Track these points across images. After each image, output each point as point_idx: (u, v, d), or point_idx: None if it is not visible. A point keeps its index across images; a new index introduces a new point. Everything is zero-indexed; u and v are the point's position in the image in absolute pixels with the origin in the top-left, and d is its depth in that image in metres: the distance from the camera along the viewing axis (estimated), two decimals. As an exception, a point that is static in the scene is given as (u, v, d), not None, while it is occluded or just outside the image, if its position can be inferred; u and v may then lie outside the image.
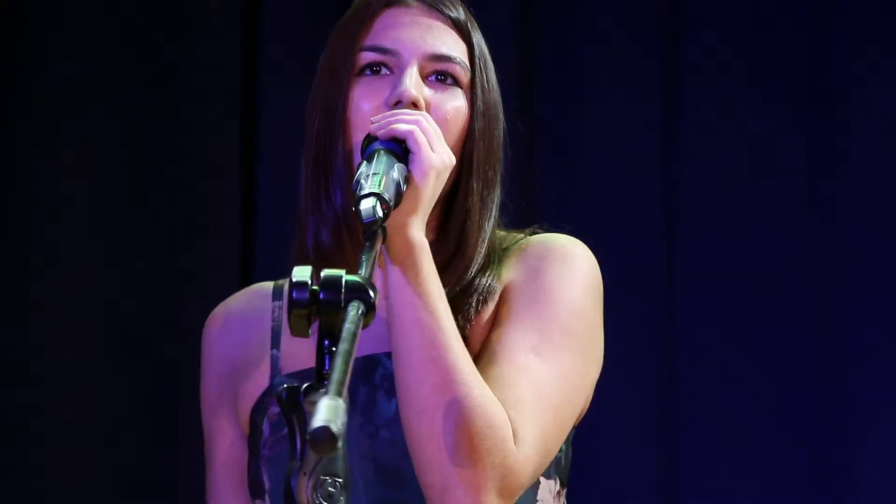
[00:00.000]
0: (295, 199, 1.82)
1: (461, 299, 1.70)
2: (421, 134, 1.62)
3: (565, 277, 1.73)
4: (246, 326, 1.85)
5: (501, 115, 1.79)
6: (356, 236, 1.71)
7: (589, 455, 3.13)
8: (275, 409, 1.76)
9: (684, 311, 3.42)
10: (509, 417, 1.62)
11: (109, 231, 3.43)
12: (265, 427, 1.76)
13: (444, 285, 1.66)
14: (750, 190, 3.43)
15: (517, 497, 1.64)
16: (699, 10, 3.54)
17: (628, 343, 3.21)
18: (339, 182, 1.72)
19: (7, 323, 3.46)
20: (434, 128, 1.65)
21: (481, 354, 1.68)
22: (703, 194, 3.41)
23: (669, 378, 3.40)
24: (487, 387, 1.61)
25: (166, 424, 3.32)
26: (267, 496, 1.73)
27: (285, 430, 1.70)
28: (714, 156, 3.42)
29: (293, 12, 3.54)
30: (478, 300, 1.73)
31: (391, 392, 1.69)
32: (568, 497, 1.80)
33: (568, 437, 1.75)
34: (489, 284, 1.74)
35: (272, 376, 1.79)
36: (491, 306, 1.74)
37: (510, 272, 1.76)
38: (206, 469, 1.85)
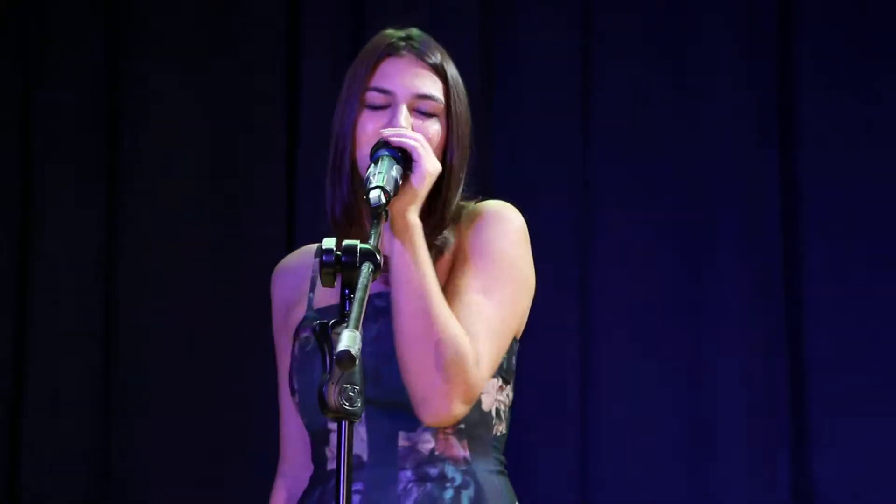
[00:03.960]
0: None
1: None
2: (422, 148, 2.24)
3: (498, 235, 2.33)
4: (296, 276, 2.45)
5: (470, 128, 2.38)
6: (355, 211, 2.33)
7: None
8: (304, 334, 2.36)
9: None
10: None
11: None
12: (296, 347, 2.37)
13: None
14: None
15: (475, 401, 2.28)
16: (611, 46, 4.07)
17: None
18: (346, 177, 2.33)
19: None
20: (427, 146, 2.25)
21: (446, 294, 2.27)
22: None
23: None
24: (459, 326, 2.23)
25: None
26: (296, 394, 2.35)
27: (308, 348, 2.34)
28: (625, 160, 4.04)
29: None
30: (437, 249, 2.33)
31: (374, 319, 2.27)
32: (514, 391, 2.40)
33: (512, 349, 2.38)
34: (445, 238, 2.33)
35: (308, 308, 2.39)
36: (447, 255, 2.33)
37: (461, 232, 2.34)
38: (279, 388, 2.46)
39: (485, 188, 2.45)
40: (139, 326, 4.14)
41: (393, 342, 2.23)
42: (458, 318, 2.22)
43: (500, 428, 2.35)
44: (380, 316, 2.27)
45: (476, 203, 2.38)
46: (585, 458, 3.99)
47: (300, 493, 2.39)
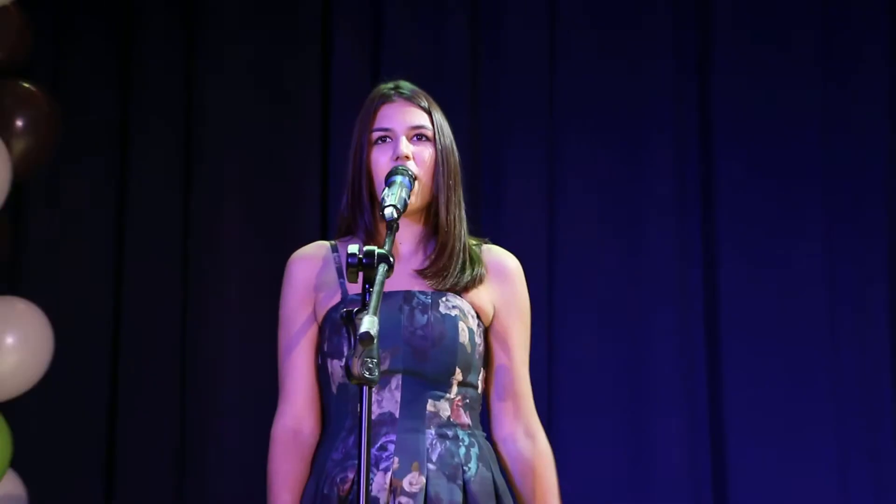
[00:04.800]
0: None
1: (461, 276, 2.83)
2: None
3: (525, 293, 2.90)
4: (317, 263, 2.89)
5: (455, 154, 2.90)
6: (372, 227, 2.83)
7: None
8: (339, 313, 2.74)
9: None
10: (529, 421, 2.83)
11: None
12: (335, 320, 2.79)
13: (442, 264, 2.81)
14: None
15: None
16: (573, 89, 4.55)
17: None
18: (364, 203, 2.85)
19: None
20: None
21: (499, 356, 2.84)
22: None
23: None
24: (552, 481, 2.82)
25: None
26: (340, 359, 2.79)
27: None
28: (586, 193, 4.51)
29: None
30: (472, 280, 2.85)
31: (423, 311, 2.76)
32: None
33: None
34: (478, 272, 2.86)
35: (343, 293, 2.83)
36: (482, 289, 2.85)
37: (493, 277, 2.87)
38: (282, 338, 2.87)
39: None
40: (209, 329, 4.50)
41: (436, 330, 2.78)
42: (516, 379, 2.88)
43: (480, 407, 2.94)
44: (427, 309, 2.80)
45: (485, 243, 2.96)
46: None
47: (302, 432, 2.85)
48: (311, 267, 2.90)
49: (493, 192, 4.52)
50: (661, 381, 4.51)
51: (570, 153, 4.56)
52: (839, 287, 4.50)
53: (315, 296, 2.87)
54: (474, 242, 2.92)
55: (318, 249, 2.93)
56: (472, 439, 2.82)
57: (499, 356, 2.89)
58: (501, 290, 2.89)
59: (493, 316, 2.89)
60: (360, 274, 2.48)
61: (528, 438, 2.88)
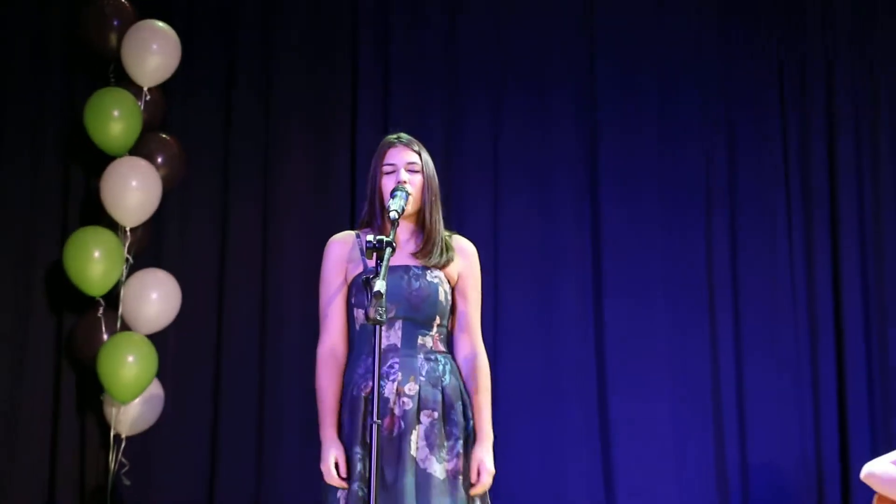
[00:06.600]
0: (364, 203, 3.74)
1: (440, 257, 3.65)
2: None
3: (479, 270, 3.70)
4: (347, 245, 3.67)
5: (436, 179, 3.73)
6: (381, 223, 3.61)
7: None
8: (364, 276, 3.55)
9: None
10: (477, 345, 3.63)
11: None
12: (359, 283, 3.63)
13: (427, 249, 3.62)
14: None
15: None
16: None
17: None
18: (376, 210, 3.66)
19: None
20: None
21: (461, 299, 3.62)
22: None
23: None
24: (486, 380, 3.61)
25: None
26: (361, 307, 3.61)
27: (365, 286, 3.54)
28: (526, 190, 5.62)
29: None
30: (447, 260, 3.65)
31: (416, 279, 3.58)
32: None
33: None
34: (450, 255, 3.66)
35: (364, 266, 3.61)
36: (451, 265, 3.65)
37: (458, 257, 3.65)
38: (323, 293, 3.63)
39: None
40: (280, 287, 5.40)
41: (425, 291, 3.56)
42: (470, 320, 3.69)
43: (449, 339, 3.81)
44: (419, 278, 3.64)
45: (455, 234, 3.77)
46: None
47: (337, 352, 3.59)
48: (343, 247, 3.74)
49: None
50: (565, 321, 5.59)
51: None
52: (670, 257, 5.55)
53: (346, 266, 3.72)
54: (447, 234, 3.76)
55: (347, 236, 3.77)
56: (446, 360, 3.67)
57: (459, 305, 3.74)
58: (463, 264, 3.74)
59: (458, 279, 3.72)
60: (374, 254, 3.42)
61: (474, 357, 3.71)
